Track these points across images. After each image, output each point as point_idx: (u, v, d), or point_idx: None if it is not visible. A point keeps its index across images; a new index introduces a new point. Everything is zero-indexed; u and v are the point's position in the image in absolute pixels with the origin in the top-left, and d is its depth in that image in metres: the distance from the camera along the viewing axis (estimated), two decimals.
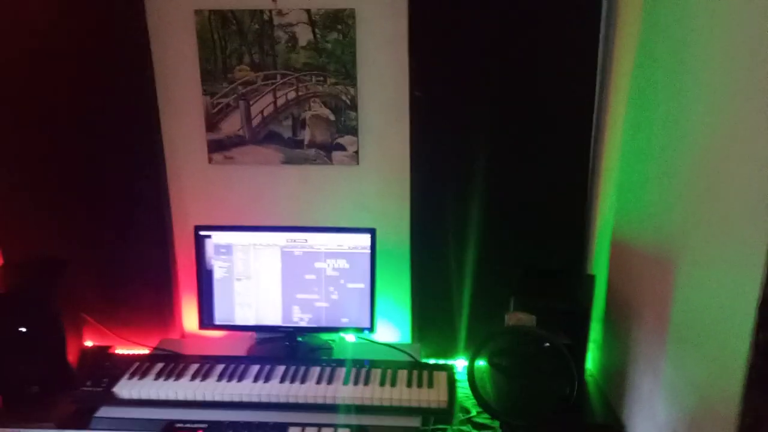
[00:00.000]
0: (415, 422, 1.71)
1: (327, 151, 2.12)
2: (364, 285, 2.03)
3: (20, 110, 2.04)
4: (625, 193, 1.80)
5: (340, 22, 2.00)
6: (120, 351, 2.15)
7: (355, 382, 1.81)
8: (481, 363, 1.63)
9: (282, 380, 1.82)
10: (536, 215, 2.04)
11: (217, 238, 2.04)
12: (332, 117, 2.08)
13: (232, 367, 1.89)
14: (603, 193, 1.99)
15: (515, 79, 1.93)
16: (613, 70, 1.88)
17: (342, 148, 2.11)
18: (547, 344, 1.51)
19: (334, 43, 2.01)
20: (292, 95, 2.07)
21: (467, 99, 1.96)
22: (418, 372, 1.87)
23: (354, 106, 2.07)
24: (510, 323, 1.61)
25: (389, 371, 1.87)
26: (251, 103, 2.08)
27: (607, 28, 1.87)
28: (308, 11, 1.99)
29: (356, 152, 2.11)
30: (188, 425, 1.67)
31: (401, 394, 1.76)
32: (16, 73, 2.01)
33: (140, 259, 2.18)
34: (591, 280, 1.94)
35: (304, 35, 2.01)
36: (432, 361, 2.12)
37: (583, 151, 1.97)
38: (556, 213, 2.03)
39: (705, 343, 1.25)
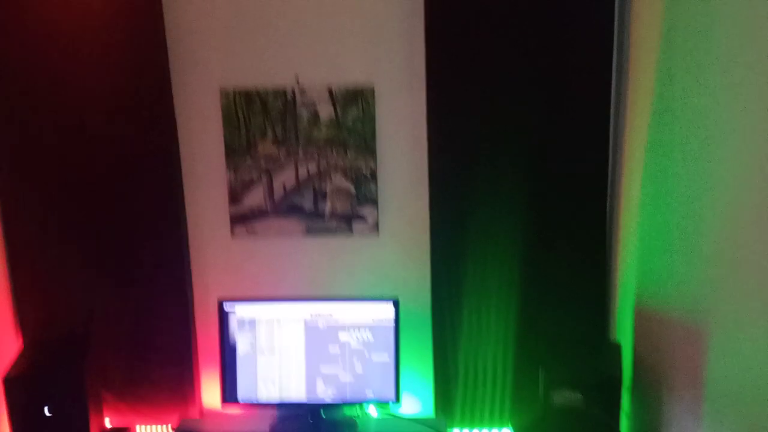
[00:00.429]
0: None
1: (348, 222, 2.15)
2: (388, 357, 2.01)
3: (46, 185, 2.08)
4: (646, 258, 1.82)
5: (360, 98, 2.07)
6: None
7: None
8: None
9: None
10: (556, 282, 2.05)
11: (240, 311, 2.04)
12: (353, 189, 2.13)
13: None
14: (622, 258, 2.01)
15: (531, 151, 1.99)
16: (627, 123, 1.93)
17: (362, 218, 2.14)
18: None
19: (355, 118, 2.08)
20: (313, 168, 2.12)
21: (486, 172, 2.01)
22: None
23: (374, 178, 2.11)
24: (558, 401, 1.60)
25: None
26: (274, 176, 2.13)
27: (619, 76, 1.94)
28: (330, 89, 2.06)
29: (376, 223, 2.14)
30: None
31: None
32: (46, 148, 2.06)
33: (161, 333, 2.17)
34: (617, 349, 1.93)
35: (326, 112, 2.08)
36: None
37: (600, 215, 2.01)
38: (576, 280, 2.05)
39: (744, 413, 1.24)
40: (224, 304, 2.05)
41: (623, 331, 2.01)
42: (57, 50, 1.98)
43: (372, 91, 2.06)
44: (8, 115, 2.02)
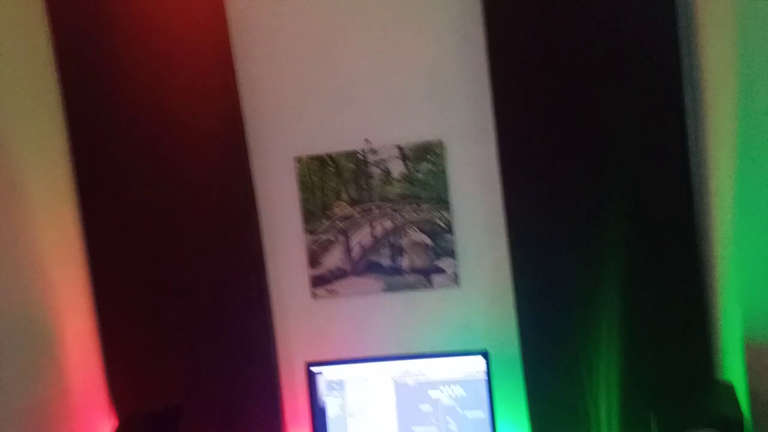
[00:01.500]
0: None
1: (426, 275, 2.14)
2: (483, 413, 1.94)
3: (136, 262, 2.17)
4: (751, 288, 1.72)
5: (430, 153, 2.10)
6: None
7: None
8: None
9: None
10: (652, 322, 1.96)
11: (328, 373, 2.03)
12: (429, 241, 2.13)
13: None
14: (721, 291, 1.91)
15: (612, 191, 1.95)
16: (710, 149, 1.88)
17: (441, 271, 2.13)
18: None
19: (426, 172, 2.11)
20: (388, 225, 2.14)
21: (565, 214, 1.98)
22: None
23: (450, 229, 2.11)
24: None
25: None
26: (350, 236, 2.16)
27: (696, 123, 1.91)
28: (399, 147, 2.11)
29: (456, 274, 2.12)
30: None
31: None
32: (137, 226, 2.16)
33: (249, 401, 2.17)
34: (729, 388, 1.80)
35: (397, 168, 2.12)
36: None
37: (691, 248, 1.93)
38: (673, 318, 1.95)
39: None
40: (312, 366, 2.04)
41: (732, 369, 1.89)
42: (142, 125, 2.12)
43: (441, 146, 2.10)
44: (104, 196, 2.15)
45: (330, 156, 2.14)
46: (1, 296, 1.73)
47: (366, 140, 2.12)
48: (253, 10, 2.15)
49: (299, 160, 2.15)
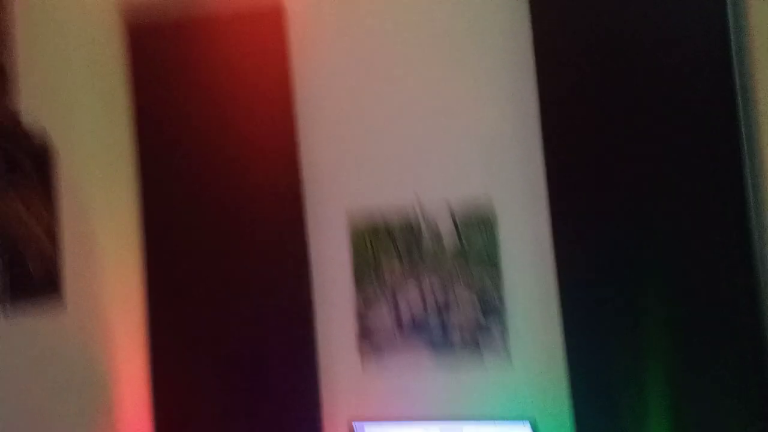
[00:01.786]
0: None
1: (475, 338, 2.12)
2: None
3: (188, 314, 2.24)
4: None
5: (481, 213, 2.12)
6: None
7: None
8: None
9: None
10: (709, 387, 1.87)
11: None
12: (479, 305, 2.12)
13: None
14: None
15: (667, 260, 1.91)
16: None
17: (490, 333, 2.11)
18: None
19: (476, 233, 2.12)
20: (438, 286, 2.14)
21: (619, 281, 1.94)
22: None
23: (500, 295, 2.10)
24: None
25: None
26: (399, 297, 2.17)
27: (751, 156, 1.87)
28: (450, 206, 2.14)
29: (505, 341, 2.09)
30: None
31: None
32: (190, 278, 2.23)
33: None
34: None
35: (447, 229, 2.14)
36: None
37: (752, 325, 1.86)
38: (731, 382, 1.86)
39: None
40: (356, 425, 2.03)
41: None
42: (205, 182, 2.23)
43: (492, 206, 2.11)
44: (166, 250, 2.25)
45: (381, 214, 2.18)
46: (64, 341, 1.82)
47: (416, 200, 2.16)
48: (315, 72, 2.27)
49: (351, 217, 2.21)
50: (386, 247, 2.18)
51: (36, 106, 1.75)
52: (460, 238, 2.13)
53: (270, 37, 2.22)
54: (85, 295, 1.93)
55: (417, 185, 2.18)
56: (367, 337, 2.19)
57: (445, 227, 2.14)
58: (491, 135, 2.14)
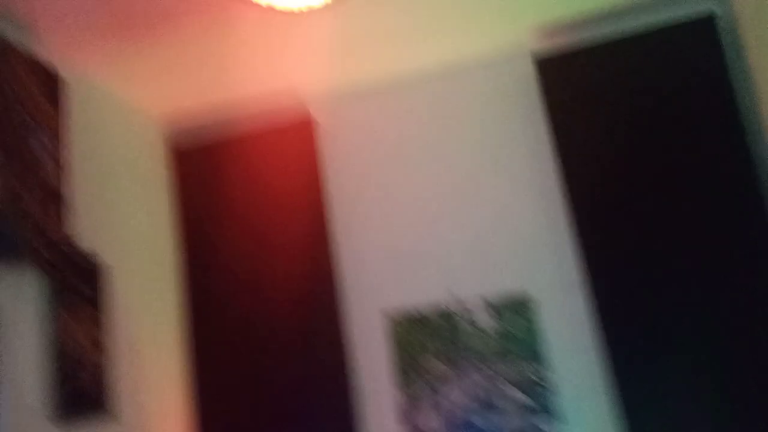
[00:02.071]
0: None
1: None
2: None
3: (237, 414, 2.22)
4: None
5: (518, 304, 2.12)
6: None
7: None
8: None
9: None
10: None
11: None
12: (525, 398, 2.06)
13: None
14: None
15: (712, 341, 1.87)
16: None
17: (538, 429, 2.03)
18: None
19: (515, 325, 2.11)
20: (480, 381, 2.10)
21: (668, 357, 1.89)
22: None
23: (547, 385, 2.05)
24: None
25: None
26: (441, 391, 2.13)
27: None
28: (486, 299, 2.14)
29: None
30: None
31: None
32: (234, 379, 2.24)
33: None
34: None
35: (485, 321, 2.13)
36: None
37: None
38: None
39: None
40: None
41: None
42: (244, 293, 2.28)
43: (528, 296, 2.11)
44: (210, 356, 2.28)
45: (417, 309, 2.20)
46: None
47: (453, 294, 2.18)
48: (346, 176, 2.38)
49: (388, 313, 2.22)
50: (425, 344, 2.17)
51: (88, 227, 1.86)
52: (499, 331, 2.11)
53: (301, 147, 2.36)
54: (134, 407, 1.93)
55: (452, 280, 2.20)
56: None
57: (484, 321, 2.14)
58: (520, 226, 2.19)
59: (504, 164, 2.24)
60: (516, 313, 2.11)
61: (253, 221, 2.33)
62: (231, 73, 2.16)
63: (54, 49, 1.83)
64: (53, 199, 1.68)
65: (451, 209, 2.26)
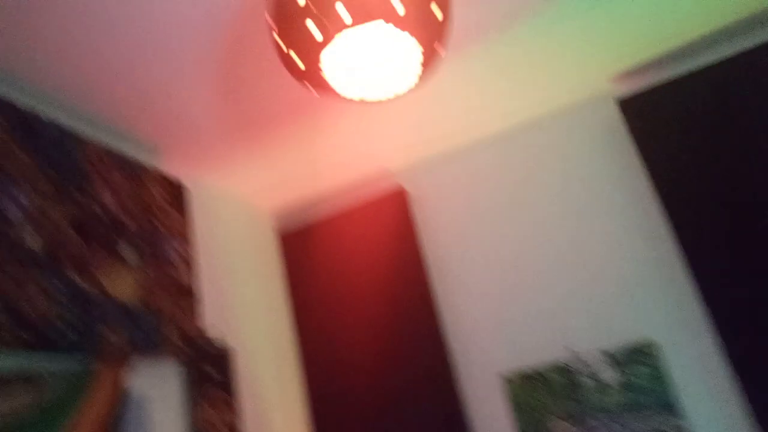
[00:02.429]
0: None
1: None
2: None
3: None
4: None
5: (642, 354, 2.01)
6: None
7: None
8: None
9: None
10: None
11: None
12: None
13: None
14: None
15: None
16: None
17: None
18: None
19: (643, 376, 1.99)
20: None
21: None
22: None
23: None
24: None
25: None
26: None
27: None
28: (607, 352, 2.05)
29: None
30: None
31: None
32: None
33: None
34: None
35: (609, 375, 2.03)
36: None
37: None
38: None
39: None
40: None
41: None
42: (358, 365, 2.34)
43: (652, 344, 2.00)
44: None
45: (536, 370, 2.14)
46: None
47: (569, 349, 2.11)
48: (442, 236, 2.43)
49: (505, 376, 2.18)
50: (547, 405, 2.09)
51: (214, 316, 2.04)
52: (626, 384, 2.00)
53: (396, 218, 2.46)
54: None
55: (567, 334, 2.14)
56: None
57: (607, 374, 2.04)
58: (631, 270, 2.11)
59: (603, 208, 2.20)
60: (640, 362, 2.00)
61: (357, 293, 2.43)
62: (327, 159, 2.34)
63: (176, 162, 2.10)
64: (185, 295, 1.87)
65: (556, 261, 2.22)
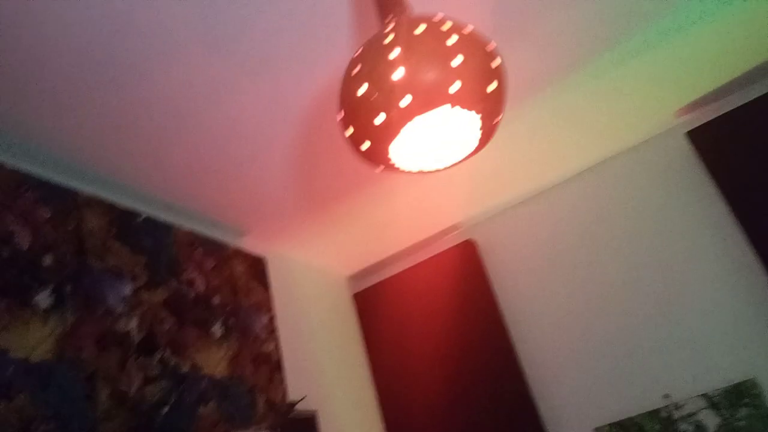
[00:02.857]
0: None
1: None
2: None
3: None
4: None
5: (745, 394, 1.89)
6: None
7: None
8: None
9: None
10: None
11: None
12: None
13: None
14: None
15: None
16: None
17: None
18: None
19: (748, 418, 1.87)
20: None
21: None
22: None
23: None
24: None
25: None
26: None
27: None
28: (706, 395, 1.94)
29: None
30: None
31: None
32: None
33: None
34: None
35: (711, 420, 1.92)
36: None
37: None
38: None
39: None
40: None
41: None
42: (437, 413, 2.31)
43: (755, 383, 1.88)
44: None
45: (632, 420, 2.04)
46: None
47: (666, 396, 2.01)
48: (519, 286, 2.41)
49: (601, 429, 2.09)
50: None
51: (300, 383, 2.09)
52: (729, 428, 1.88)
53: (467, 269, 2.45)
54: None
55: (663, 383, 2.03)
56: None
57: (709, 419, 1.92)
58: (724, 306, 2.01)
59: (686, 244, 2.12)
60: (741, 403, 1.87)
61: (432, 346, 2.42)
62: (396, 220, 2.40)
63: (257, 239, 2.21)
64: (270, 364, 1.93)
65: (641, 304, 2.14)
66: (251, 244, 2.21)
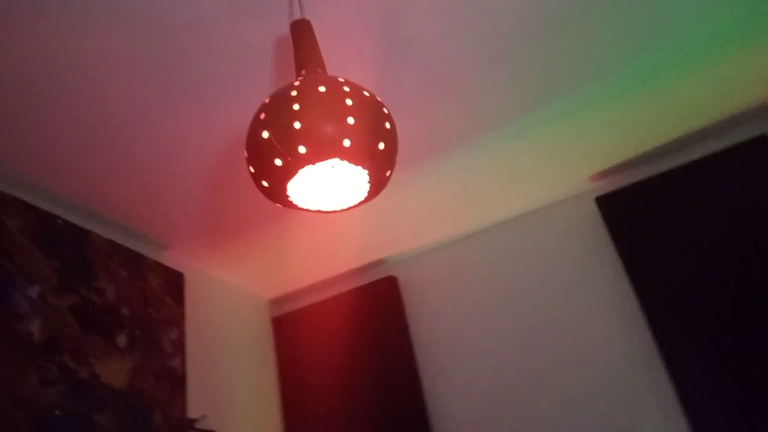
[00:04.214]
0: None
1: None
2: None
3: None
4: None
5: None
6: None
7: None
8: None
9: None
10: None
11: None
12: None
13: None
14: None
15: None
16: None
17: None
18: None
19: None
20: None
21: None
22: None
23: None
24: None
25: None
26: None
27: None
28: None
29: None
30: None
31: None
32: None
33: None
34: None
35: None
36: None
37: None
38: None
39: None
40: None
41: None
42: None
43: None
44: None
45: None
46: None
47: None
48: (433, 323, 2.50)
49: None
50: None
51: (204, 401, 2.11)
52: None
53: (386, 303, 2.54)
54: None
55: (552, 426, 2.15)
56: None
57: None
58: (613, 361, 2.15)
59: (583, 301, 2.27)
60: None
61: (345, 374, 2.48)
62: (322, 250, 2.48)
63: (183, 256, 2.25)
64: (174, 381, 1.96)
65: (543, 355, 2.26)
66: (174, 260, 2.24)
